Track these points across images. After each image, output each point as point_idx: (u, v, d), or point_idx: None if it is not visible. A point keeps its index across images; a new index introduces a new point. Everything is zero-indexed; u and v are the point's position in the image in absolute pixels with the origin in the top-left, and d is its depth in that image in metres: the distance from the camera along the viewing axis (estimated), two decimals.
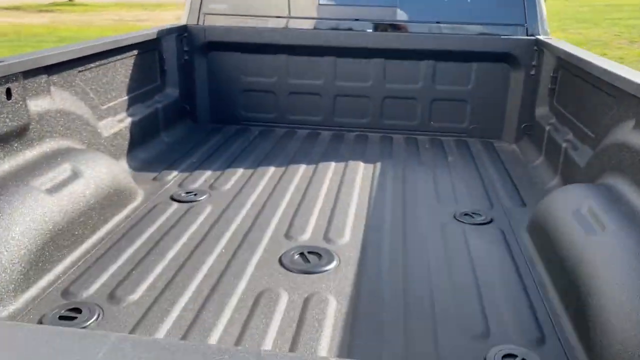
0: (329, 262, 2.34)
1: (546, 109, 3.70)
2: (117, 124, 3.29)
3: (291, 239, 2.56)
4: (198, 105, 4.30)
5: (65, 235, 2.29)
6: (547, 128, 3.46)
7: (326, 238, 2.57)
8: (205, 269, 2.28)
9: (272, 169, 3.43)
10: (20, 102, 2.37)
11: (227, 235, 2.58)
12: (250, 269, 2.28)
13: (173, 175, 3.30)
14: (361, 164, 3.54)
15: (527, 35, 3.93)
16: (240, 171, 3.39)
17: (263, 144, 3.96)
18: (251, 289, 2.14)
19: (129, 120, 3.41)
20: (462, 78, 4.07)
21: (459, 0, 4.06)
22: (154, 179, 3.25)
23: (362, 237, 2.58)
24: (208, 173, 3.36)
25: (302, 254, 2.42)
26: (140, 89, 3.63)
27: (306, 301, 2.07)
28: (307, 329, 1.90)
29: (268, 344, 1.83)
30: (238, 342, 1.84)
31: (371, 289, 2.17)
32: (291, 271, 2.28)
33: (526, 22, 3.95)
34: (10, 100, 2.30)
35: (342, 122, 4.27)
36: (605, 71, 2.60)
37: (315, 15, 4.11)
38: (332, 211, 2.84)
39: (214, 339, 1.85)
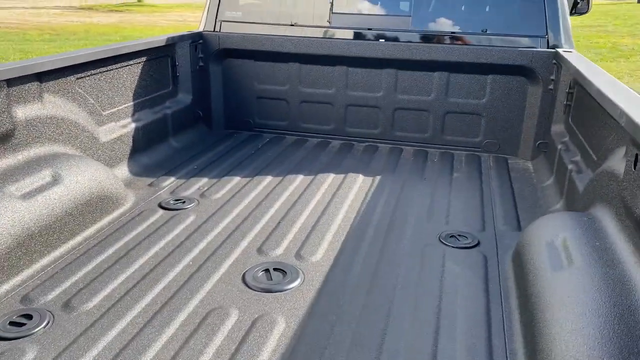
0: (292, 281, 2.30)
1: (561, 127, 3.49)
2: (119, 129, 3.36)
3: (262, 254, 2.53)
4: (213, 111, 4.35)
5: (37, 241, 2.36)
6: (559, 147, 3.27)
7: (298, 255, 2.52)
8: (166, 281, 2.28)
9: (269, 178, 3.41)
10: (4, 109, 2.46)
11: (200, 246, 2.58)
12: (209, 284, 2.27)
13: (169, 182, 3.34)
14: (360, 177, 3.46)
15: (548, 48, 3.73)
16: (236, 179, 3.39)
17: (269, 152, 3.95)
18: (203, 306, 2.13)
19: (133, 125, 3.48)
20: (477, 91, 3.91)
21: (476, 10, 3.90)
22: (150, 184, 3.30)
23: (335, 255, 2.52)
24: (204, 180, 3.38)
25: (267, 271, 2.38)
26: (149, 94, 3.70)
27: (255, 322, 2.03)
28: (244, 352, 1.87)
29: None
30: None
31: (325, 313, 2.10)
32: (251, 288, 2.25)
33: (547, 34, 3.74)
34: None
35: (353, 132, 4.20)
36: (600, 93, 2.41)
37: (328, 24, 4.05)
38: (313, 226, 2.79)
39: (148, 356, 1.84)
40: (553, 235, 2.14)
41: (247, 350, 1.87)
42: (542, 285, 1.92)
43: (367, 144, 4.16)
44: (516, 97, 3.85)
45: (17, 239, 2.26)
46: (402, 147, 4.10)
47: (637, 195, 1.82)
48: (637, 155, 1.87)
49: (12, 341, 1.90)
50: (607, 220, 2.09)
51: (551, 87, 3.67)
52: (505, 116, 3.90)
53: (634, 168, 1.89)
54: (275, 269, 2.39)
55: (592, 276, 1.78)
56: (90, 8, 25.90)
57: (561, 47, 3.70)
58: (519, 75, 3.80)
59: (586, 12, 5.35)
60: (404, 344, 1.93)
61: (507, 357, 1.89)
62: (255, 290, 2.24)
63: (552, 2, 3.74)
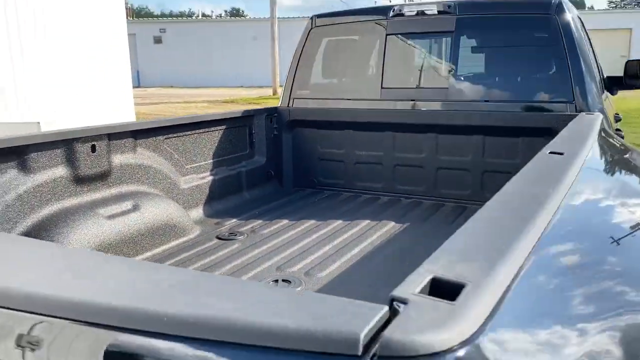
0: (293, 288, 2.85)
1: None
2: (198, 180, 4.22)
3: (280, 271, 3.12)
4: (283, 171, 5.12)
5: (113, 250, 3.18)
6: None
7: (307, 272, 3.07)
8: None
9: (311, 222, 4.03)
10: (104, 155, 3.40)
11: (234, 263, 3.23)
12: None
13: (231, 221, 4.09)
14: (391, 223, 3.95)
15: (576, 111, 4.04)
16: (285, 221, 4.05)
17: (322, 204, 4.58)
18: None
19: (210, 178, 4.33)
20: (511, 152, 4.27)
21: (507, 80, 4.35)
22: (216, 223, 4.07)
23: (337, 274, 3.03)
24: (259, 221, 4.08)
25: (276, 281, 2.96)
26: (227, 155, 4.57)
27: None
28: None
29: None
30: None
31: None
32: None
33: (574, 99, 4.07)
34: (94, 153, 3.33)
35: (401, 189, 4.71)
36: None
37: (378, 97, 4.73)
38: (331, 256, 3.33)
39: None
40: None
41: None
42: None
43: (412, 199, 4.64)
44: None
45: (99, 246, 3.09)
46: (445, 203, 4.52)
47: None
48: None
49: None
50: None
51: None
52: None
53: None
54: (283, 280, 2.96)
55: None
56: (232, 102, 29.15)
57: (587, 111, 4.00)
58: (549, 136, 4.12)
59: None
60: None
61: None
62: None
63: (578, 72, 4.09)
